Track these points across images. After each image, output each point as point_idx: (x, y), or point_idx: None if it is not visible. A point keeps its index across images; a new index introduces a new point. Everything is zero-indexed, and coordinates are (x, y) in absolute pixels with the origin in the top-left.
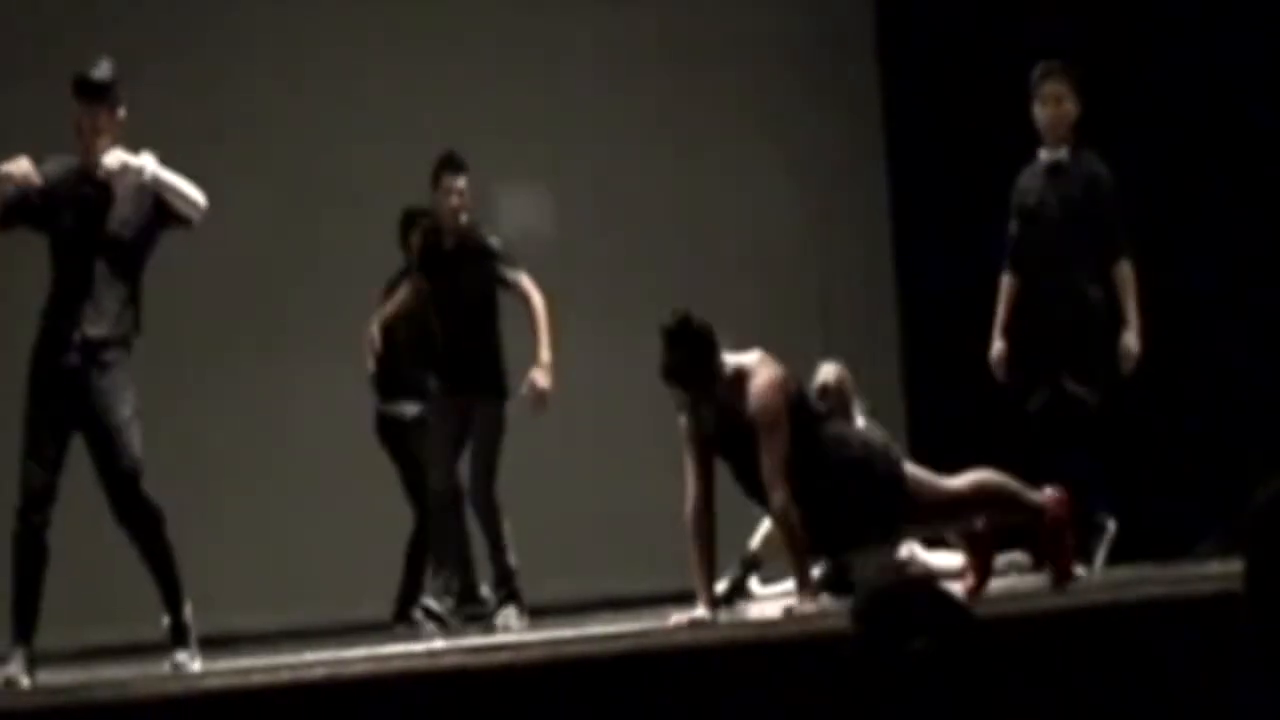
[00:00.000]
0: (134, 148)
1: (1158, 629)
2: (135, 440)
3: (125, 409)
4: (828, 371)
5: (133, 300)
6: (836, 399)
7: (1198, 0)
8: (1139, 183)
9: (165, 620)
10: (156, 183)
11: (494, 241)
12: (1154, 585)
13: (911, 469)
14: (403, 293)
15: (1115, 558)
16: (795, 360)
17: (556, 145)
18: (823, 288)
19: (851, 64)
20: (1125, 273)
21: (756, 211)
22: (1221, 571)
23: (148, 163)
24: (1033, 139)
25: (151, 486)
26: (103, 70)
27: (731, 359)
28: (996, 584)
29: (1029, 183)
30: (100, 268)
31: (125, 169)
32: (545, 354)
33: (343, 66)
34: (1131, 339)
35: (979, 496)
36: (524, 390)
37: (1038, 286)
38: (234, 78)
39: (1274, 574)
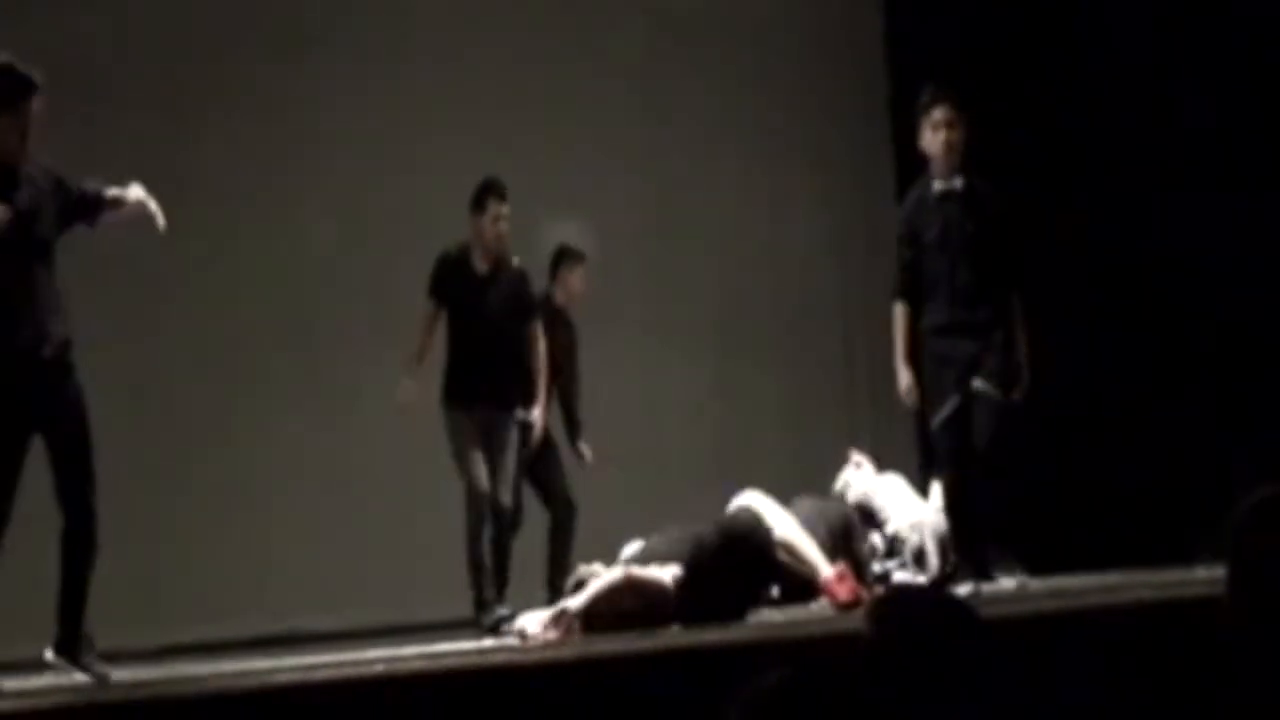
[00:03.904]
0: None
1: (1149, 631)
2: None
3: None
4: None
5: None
6: None
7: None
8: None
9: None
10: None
11: (527, 272)
12: (1145, 589)
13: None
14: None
15: (1110, 563)
16: (822, 373)
17: (596, 173)
18: (847, 313)
19: (865, 96)
20: (1017, 303)
21: (785, 236)
22: (1209, 576)
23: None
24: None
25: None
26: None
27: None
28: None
29: (922, 212)
30: (40, 270)
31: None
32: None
33: (397, 96)
34: (1023, 369)
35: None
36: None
37: (942, 319)
38: (294, 105)
39: (1257, 580)
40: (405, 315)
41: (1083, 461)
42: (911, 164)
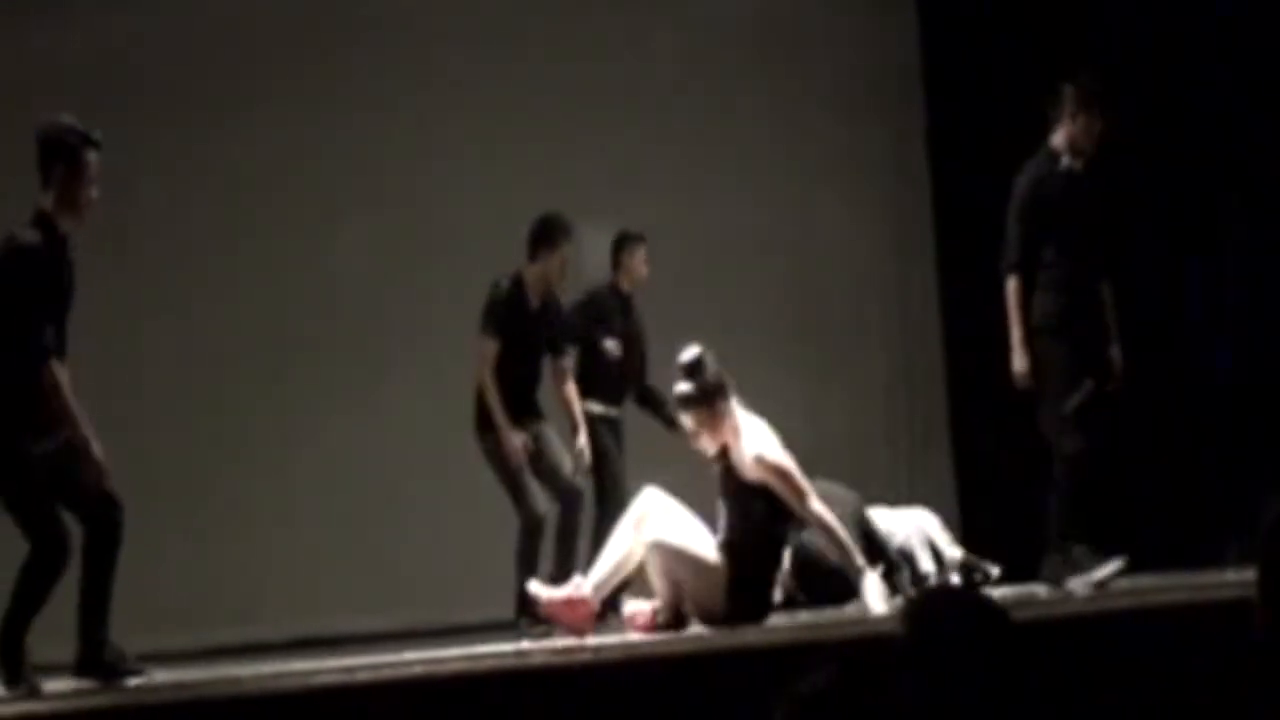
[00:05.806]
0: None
1: (1182, 633)
2: None
3: None
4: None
5: None
6: None
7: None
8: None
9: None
10: None
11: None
12: (1178, 591)
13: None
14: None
15: (1140, 566)
16: (862, 402)
17: (633, 180)
18: (883, 324)
19: (902, 108)
20: (1108, 288)
21: (822, 249)
22: (1240, 579)
23: None
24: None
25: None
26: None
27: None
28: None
29: (1048, 189)
30: None
31: None
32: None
33: (445, 116)
34: (1118, 352)
35: None
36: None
37: (1067, 300)
38: (338, 106)
39: None
40: (441, 316)
41: (1115, 464)
42: (947, 169)
